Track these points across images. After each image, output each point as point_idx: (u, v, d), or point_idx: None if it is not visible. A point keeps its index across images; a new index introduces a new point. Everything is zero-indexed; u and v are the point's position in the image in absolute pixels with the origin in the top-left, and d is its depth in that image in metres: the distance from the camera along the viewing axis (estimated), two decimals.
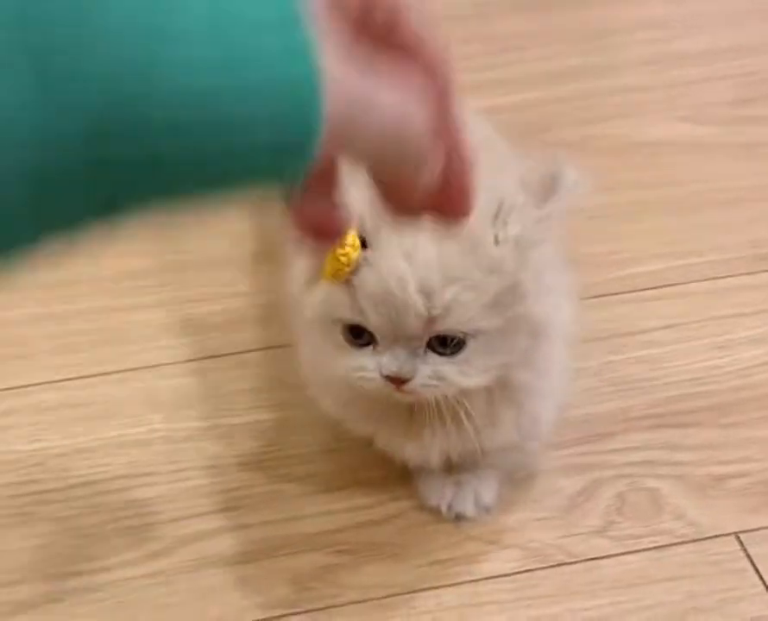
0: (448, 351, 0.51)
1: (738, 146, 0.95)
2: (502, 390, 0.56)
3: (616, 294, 0.79)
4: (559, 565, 0.62)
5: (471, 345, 0.51)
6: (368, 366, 0.52)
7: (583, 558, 0.62)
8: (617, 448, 0.68)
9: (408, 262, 0.49)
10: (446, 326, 0.50)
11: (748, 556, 0.62)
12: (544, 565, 0.62)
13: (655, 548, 0.62)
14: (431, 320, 0.50)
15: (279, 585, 0.61)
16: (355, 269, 0.50)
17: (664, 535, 0.63)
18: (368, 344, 0.52)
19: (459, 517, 0.63)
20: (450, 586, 0.61)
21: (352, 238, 0.49)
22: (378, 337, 0.51)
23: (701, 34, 1.11)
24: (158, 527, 0.64)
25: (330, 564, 0.62)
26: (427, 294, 0.50)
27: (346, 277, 0.50)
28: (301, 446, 0.69)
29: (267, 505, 0.65)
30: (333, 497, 0.66)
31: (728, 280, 0.81)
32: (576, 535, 0.63)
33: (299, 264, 0.55)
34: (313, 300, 0.54)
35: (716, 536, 0.63)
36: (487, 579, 0.61)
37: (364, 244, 0.51)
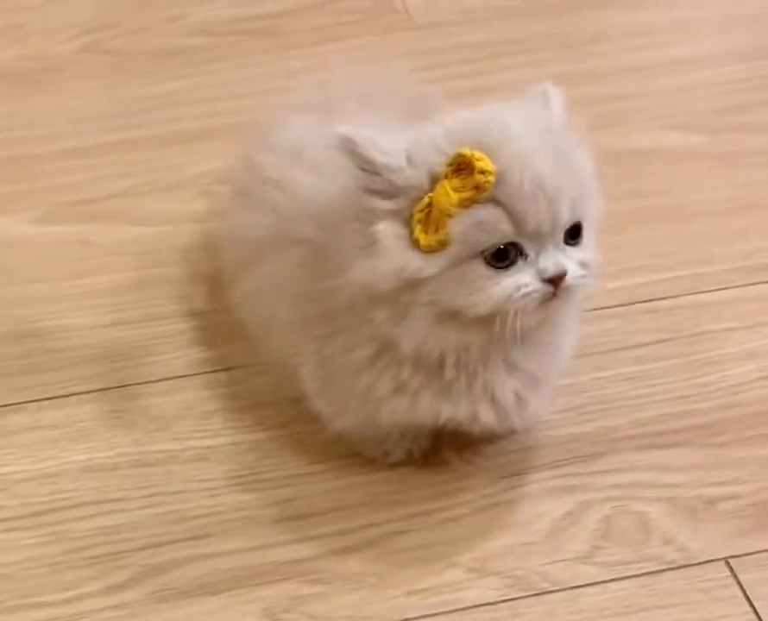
0: (576, 241, 0.53)
1: (728, 155, 0.93)
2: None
3: (604, 308, 0.77)
4: (543, 593, 0.59)
5: (587, 232, 0.54)
6: (526, 279, 0.51)
7: (568, 586, 0.60)
8: (603, 469, 0.66)
9: (541, 153, 0.51)
10: (579, 211, 0.52)
11: (738, 583, 0.59)
12: (528, 593, 0.59)
13: (643, 574, 0.60)
14: (571, 207, 0.51)
15: (250, 617, 0.59)
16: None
17: (652, 561, 0.61)
18: (512, 265, 0.51)
19: None
20: (430, 616, 0.59)
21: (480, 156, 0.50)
22: (527, 246, 0.51)
23: (689, 40, 1.09)
24: (125, 556, 0.62)
25: (305, 594, 0.59)
26: (568, 175, 0.51)
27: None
28: (276, 469, 0.66)
29: (239, 532, 0.63)
30: (308, 523, 0.63)
31: (718, 293, 0.78)
32: (560, 561, 0.61)
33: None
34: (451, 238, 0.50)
35: (706, 562, 0.60)
36: (468, 608, 0.59)
37: None
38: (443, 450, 0.67)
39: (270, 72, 1.12)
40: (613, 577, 0.60)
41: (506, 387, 0.58)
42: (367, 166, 0.51)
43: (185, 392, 0.72)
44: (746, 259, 0.81)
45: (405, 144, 0.51)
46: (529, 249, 0.51)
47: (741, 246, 0.82)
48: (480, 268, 0.51)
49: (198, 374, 0.73)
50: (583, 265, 0.53)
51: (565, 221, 0.51)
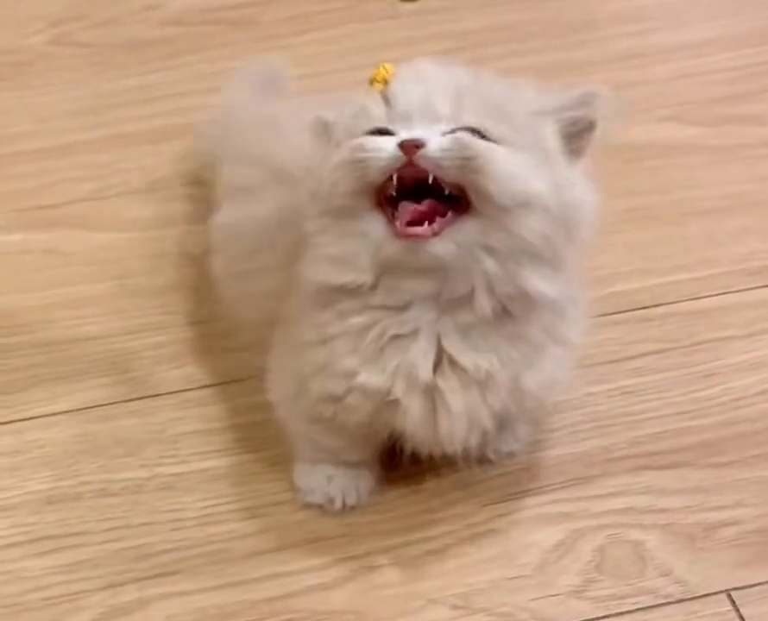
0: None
1: (724, 148, 0.88)
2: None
3: (597, 317, 0.72)
4: None
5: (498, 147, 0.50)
6: (382, 142, 0.49)
7: None
8: (597, 493, 0.62)
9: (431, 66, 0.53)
10: (473, 118, 0.50)
11: (741, 617, 0.55)
12: None
13: (639, 609, 0.56)
14: (457, 105, 0.50)
15: None
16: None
17: (648, 594, 0.57)
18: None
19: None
20: None
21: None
22: (397, 129, 0.50)
23: (683, 26, 1.04)
24: (85, 596, 0.58)
25: None
26: (454, 80, 0.51)
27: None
28: (248, 498, 0.62)
29: (209, 569, 0.59)
30: (282, 557, 0.59)
31: (717, 299, 0.74)
32: (551, 596, 0.57)
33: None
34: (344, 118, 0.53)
35: (706, 595, 0.57)
36: None
37: None
38: (425, 475, 0.63)
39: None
40: (607, 613, 0.56)
41: (448, 383, 0.52)
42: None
43: (154, 414, 0.68)
44: (746, 261, 0.77)
45: None
46: (398, 130, 0.50)
47: (740, 247, 0.78)
48: None
49: (169, 394, 0.69)
50: (461, 145, 0.48)
51: (444, 112, 0.50)
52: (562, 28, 1.06)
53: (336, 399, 0.55)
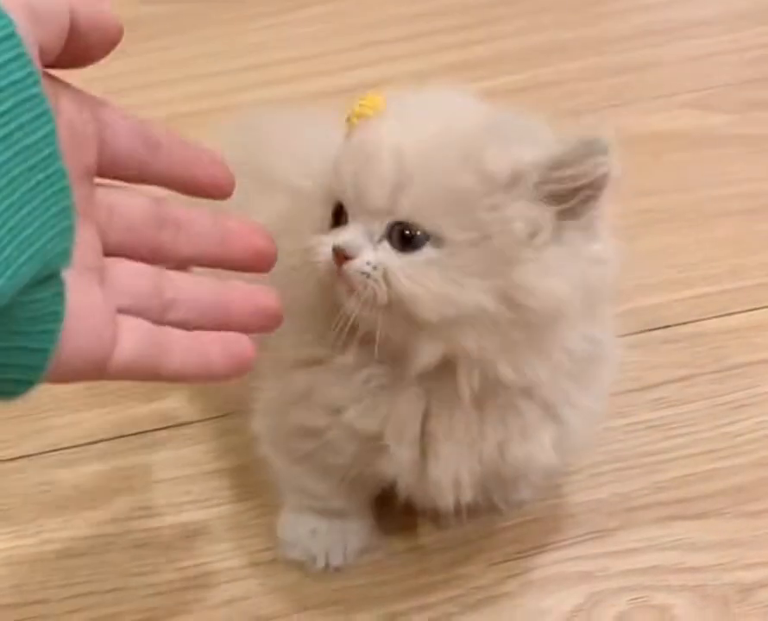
0: (403, 247, 0.42)
1: (754, 138, 0.81)
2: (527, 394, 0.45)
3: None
4: None
5: (432, 253, 0.42)
6: (326, 240, 0.44)
7: None
8: (618, 549, 0.55)
9: (399, 124, 0.43)
10: (407, 211, 0.42)
11: None
12: None
13: None
14: (392, 197, 0.42)
15: None
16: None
17: None
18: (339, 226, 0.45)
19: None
20: None
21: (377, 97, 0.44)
22: (348, 213, 0.44)
23: None
24: None
25: None
26: (398, 161, 0.42)
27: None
28: (227, 558, 0.56)
29: None
30: None
31: (750, 315, 0.67)
32: None
33: None
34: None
35: None
36: None
37: None
38: (423, 526, 0.56)
39: (236, 47, 1.00)
40: None
41: (438, 428, 0.46)
42: None
43: (124, 457, 0.62)
44: None
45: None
46: (349, 215, 0.44)
47: None
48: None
49: (140, 433, 0.63)
50: (380, 267, 0.42)
51: (380, 208, 0.42)
52: (576, 1, 0.98)
53: (315, 434, 0.48)
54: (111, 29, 0.35)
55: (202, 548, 0.57)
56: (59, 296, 0.32)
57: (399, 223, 0.42)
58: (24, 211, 0.31)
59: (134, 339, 0.35)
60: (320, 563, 0.55)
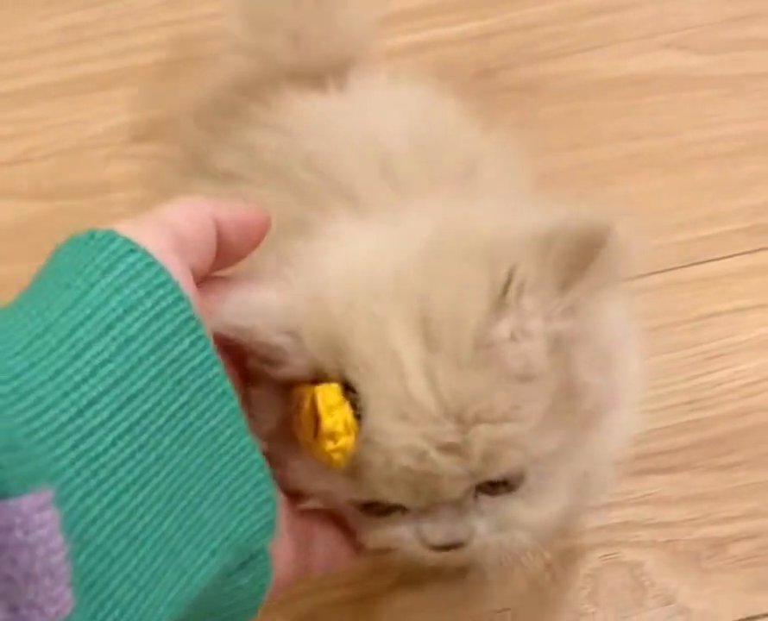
0: (504, 489, 0.36)
1: (734, 79, 0.78)
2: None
3: None
4: None
5: (533, 470, 0.36)
6: (406, 535, 0.37)
7: None
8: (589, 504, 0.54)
9: (407, 422, 0.34)
10: (494, 473, 0.35)
11: None
12: None
13: None
14: (471, 474, 0.35)
15: None
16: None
17: None
18: (386, 512, 0.37)
19: None
20: None
21: (341, 418, 0.33)
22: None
23: None
24: None
25: None
26: (454, 450, 0.34)
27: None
28: None
29: None
30: None
31: (727, 263, 0.65)
32: None
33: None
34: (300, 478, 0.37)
35: None
36: None
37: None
38: None
39: None
40: None
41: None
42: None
43: None
44: (760, 214, 0.68)
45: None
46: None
47: (754, 198, 0.69)
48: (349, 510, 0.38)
49: None
50: (507, 523, 0.36)
51: (459, 491, 0.35)
52: None
53: None
54: (257, 224, 0.34)
55: None
56: (266, 575, 0.32)
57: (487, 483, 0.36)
58: (220, 502, 0.29)
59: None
60: None
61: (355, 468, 0.34)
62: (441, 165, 0.46)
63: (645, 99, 0.77)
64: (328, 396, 0.33)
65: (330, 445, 0.33)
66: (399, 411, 0.33)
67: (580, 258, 0.33)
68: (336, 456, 0.33)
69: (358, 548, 0.38)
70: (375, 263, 0.35)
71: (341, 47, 0.54)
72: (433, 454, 0.33)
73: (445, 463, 0.34)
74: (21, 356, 0.27)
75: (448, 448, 0.34)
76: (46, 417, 0.27)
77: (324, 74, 0.53)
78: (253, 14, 0.58)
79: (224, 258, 0.34)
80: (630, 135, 0.74)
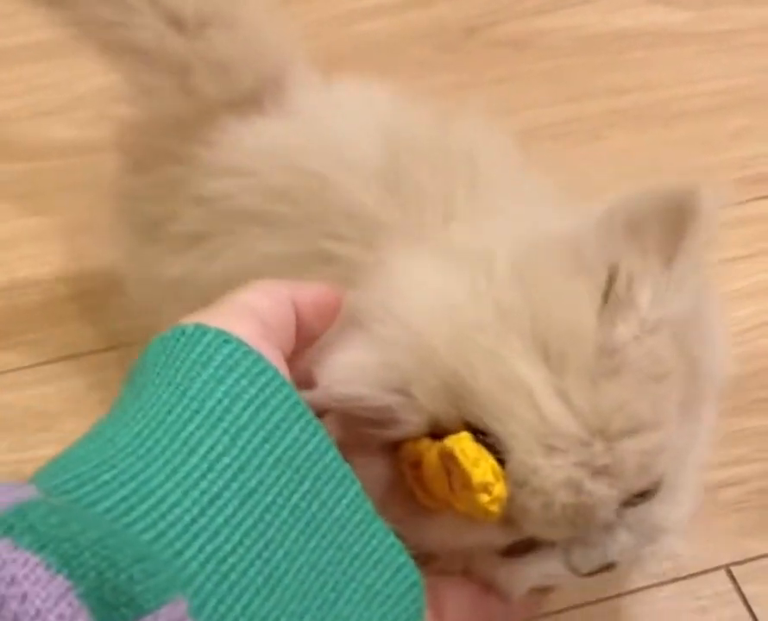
0: (647, 497, 0.35)
1: (719, 35, 0.78)
2: None
3: None
4: None
5: (671, 469, 0.35)
6: (557, 570, 0.35)
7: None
8: None
9: (556, 453, 0.32)
10: (645, 483, 0.34)
11: (742, 596, 0.49)
12: None
13: (627, 592, 0.49)
14: (624, 491, 0.34)
15: None
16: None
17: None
18: (528, 550, 0.35)
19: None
20: None
21: (488, 467, 0.32)
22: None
23: None
24: None
25: None
26: (606, 472, 0.33)
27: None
28: None
29: None
30: None
31: None
32: None
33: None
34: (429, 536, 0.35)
35: (703, 573, 0.49)
36: None
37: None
38: None
39: None
40: (594, 598, 0.49)
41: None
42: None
43: (70, 378, 0.59)
44: (745, 167, 0.68)
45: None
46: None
47: (738, 151, 0.69)
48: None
49: (91, 353, 0.61)
50: (653, 530, 0.35)
51: (610, 517, 0.34)
52: None
53: None
54: (331, 303, 0.34)
55: None
56: None
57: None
58: (359, 596, 0.28)
59: None
60: None
61: (507, 514, 0.32)
62: (441, 165, 0.42)
63: (632, 54, 0.77)
64: (467, 447, 0.31)
65: (485, 498, 0.31)
66: (543, 444, 0.32)
67: (677, 228, 0.32)
68: (493, 508, 0.31)
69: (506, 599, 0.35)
70: (457, 296, 0.34)
71: (269, 68, 0.48)
72: (588, 482, 0.32)
73: (600, 489, 0.32)
74: (133, 457, 0.26)
75: (601, 472, 0.32)
76: (170, 517, 0.25)
77: (258, 97, 0.48)
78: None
79: (302, 340, 0.33)
80: (617, 90, 0.74)
